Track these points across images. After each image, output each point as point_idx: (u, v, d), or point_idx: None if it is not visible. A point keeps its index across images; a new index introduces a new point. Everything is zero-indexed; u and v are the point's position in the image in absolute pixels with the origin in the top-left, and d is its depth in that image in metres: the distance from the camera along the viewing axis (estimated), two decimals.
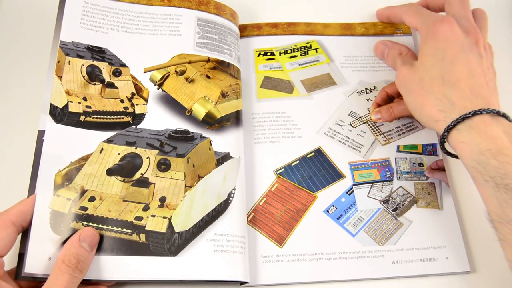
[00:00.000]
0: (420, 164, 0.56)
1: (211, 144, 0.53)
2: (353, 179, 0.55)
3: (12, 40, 0.63)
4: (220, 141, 0.54)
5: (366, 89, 0.60)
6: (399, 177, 0.55)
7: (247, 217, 0.53)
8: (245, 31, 0.65)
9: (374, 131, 0.58)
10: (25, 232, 0.47)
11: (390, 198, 0.54)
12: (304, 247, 0.51)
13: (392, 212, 0.53)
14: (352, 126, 0.58)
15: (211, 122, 0.55)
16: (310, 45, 0.64)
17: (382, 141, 0.57)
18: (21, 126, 0.57)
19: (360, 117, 0.59)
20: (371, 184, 0.55)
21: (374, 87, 0.60)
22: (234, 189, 0.52)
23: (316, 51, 0.63)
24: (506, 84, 0.55)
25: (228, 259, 0.48)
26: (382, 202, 0.54)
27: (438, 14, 0.53)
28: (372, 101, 0.59)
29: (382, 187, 0.55)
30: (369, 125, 0.58)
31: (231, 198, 0.52)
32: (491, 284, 0.50)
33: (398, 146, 0.57)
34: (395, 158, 0.56)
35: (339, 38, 0.64)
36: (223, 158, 0.53)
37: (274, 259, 0.51)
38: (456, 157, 0.49)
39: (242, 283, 0.49)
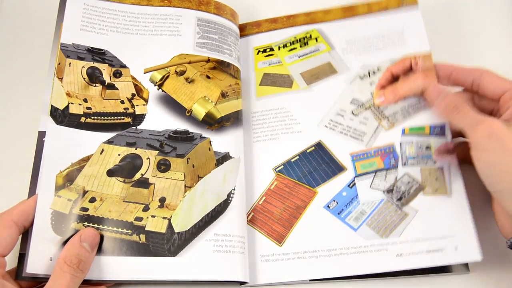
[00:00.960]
0: (427, 147, 0.52)
1: (210, 144, 0.54)
2: (355, 170, 0.53)
3: (13, 42, 0.64)
4: (220, 141, 0.54)
5: (369, 72, 0.58)
6: (405, 163, 0.52)
7: (247, 217, 0.53)
8: (245, 30, 0.64)
9: (377, 116, 0.55)
10: (25, 233, 0.47)
11: (395, 187, 0.51)
12: (304, 244, 0.51)
13: (397, 202, 0.50)
14: (353, 114, 0.56)
15: (211, 122, 0.55)
16: (310, 35, 0.62)
17: (386, 125, 0.54)
18: (22, 127, 0.57)
19: (363, 103, 0.56)
20: (374, 173, 0.52)
21: (377, 68, 0.58)
22: (234, 189, 0.52)
23: (316, 40, 0.62)
24: None
25: (227, 259, 0.48)
26: (385, 192, 0.51)
27: None
28: (376, 84, 0.56)
29: (385, 176, 0.52)
30: (372, 110, 0.55)
31: (230, 198, 0.52)
32: (506, 271, 0.49)
33: (403, 130, 0.54)
34: (400, 143, 0.53)
35: (340, 22, 0.62)
36: (223, 158, 0.53)
37: (273, 258, 0.51)
38: None
39: (242, 283, 0.49)
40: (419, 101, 0.55)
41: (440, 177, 0.51)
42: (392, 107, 0.55)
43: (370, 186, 0.52)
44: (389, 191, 0.52)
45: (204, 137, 0.54)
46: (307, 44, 0.62)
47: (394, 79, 0.56)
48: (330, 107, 0.57)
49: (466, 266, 0.50)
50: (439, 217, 0.49)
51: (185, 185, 0.50)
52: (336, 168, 0.54)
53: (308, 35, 0.62)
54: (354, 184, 0.53)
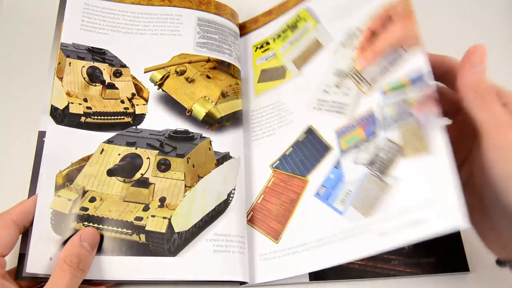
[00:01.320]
0: (408, 103, 0.44)
1: (211, 144, 0.54)
2: (340, 148, 0.49)
3: (13, 41, 0.64)
4: (220, 141, 0.54)
5: (351, 35, 0.53)
6: (384, 127, 0.45)
7: (246, 217, 0.53)
8: (244, 28, 0.64)
9: (357, 82, 0.49)
10: (25, 233, 0.47)
11: (376, 156, 0.45)
12: (298, 238, 0.49)
13: (378, 174, 0.44)
14: (337, 87, 0.51)
15: (211, 122, 0.55)
16: (299, 16, 0.60)
17: (366, 89, 0.48)
18: (22, 127, 0.57)
19: (345, 72, 0.51)
20: (357, 147, 0.47)
21: (359, 30, 0.51)
22: (234, 189, 0.52)
23: (305, 20, 0.59)
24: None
25: (227, 259, 0.48)
26: (368, 165, 0.46)
27: None
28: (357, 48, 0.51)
29: (367, 147, 0.46)
30: (352, 77, 0.50)
31: (230, 198, 0.52)
32: (506, 271, 0.46)
33: (384, 91, 0.46)
34: (381, 106, 0.46)
35: None
36: (223, 158, 0.53)
37: (271, 256, 0.50)
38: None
39: (241, 283, 0.49)
40: (397, 53, 0.46)
41: (421, 134, 0.42)
42: (372, 69, 0.48)
43: (355, 162, 0.47)
44: (372, 162, 0.45)
45: (204, 137, 0.54)
46: (297, 27, 0.60)
47: (376, 37, 0.49)
48: (317, 86, 0.54)
49: (466, 266, 0.50)
50: (420, 181, 0.41)
51: (185, 185, 0.50)
52: (323, 149, 0.51)
53: (298, 18, 0.60)
54: (340, 163, 0.49)
